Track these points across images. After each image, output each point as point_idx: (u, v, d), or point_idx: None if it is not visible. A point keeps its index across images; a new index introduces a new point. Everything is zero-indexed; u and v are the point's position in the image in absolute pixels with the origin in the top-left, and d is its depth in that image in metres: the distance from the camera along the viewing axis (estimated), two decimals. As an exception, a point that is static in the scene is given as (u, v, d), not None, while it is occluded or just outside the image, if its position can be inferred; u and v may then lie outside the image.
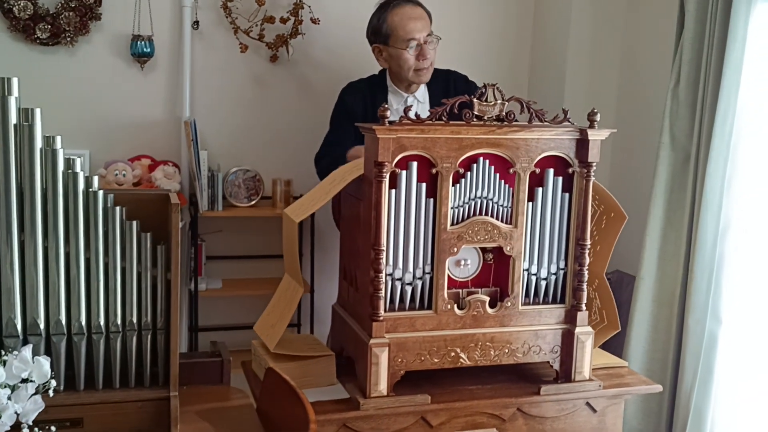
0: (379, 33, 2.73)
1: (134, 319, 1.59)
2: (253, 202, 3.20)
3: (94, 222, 1.52)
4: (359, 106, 2.79)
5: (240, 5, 3.14)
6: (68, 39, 2.99)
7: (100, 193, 1.51)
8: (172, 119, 3.20)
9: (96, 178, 1.53)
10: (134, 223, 1.54)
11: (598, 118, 1.95)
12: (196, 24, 3.14)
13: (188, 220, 3.15)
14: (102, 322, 1.58)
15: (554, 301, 2.02)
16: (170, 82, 3.18)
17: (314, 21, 3.20)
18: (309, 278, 3.24)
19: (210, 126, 3.24)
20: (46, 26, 2.95)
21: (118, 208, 1.53)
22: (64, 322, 1.56)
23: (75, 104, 3.08)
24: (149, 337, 1.61)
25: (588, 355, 2.03)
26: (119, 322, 1.58)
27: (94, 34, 3.05)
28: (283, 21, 3.18)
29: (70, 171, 1.51)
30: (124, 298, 1.59)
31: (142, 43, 3.04)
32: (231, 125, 3.28)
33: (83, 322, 1.57)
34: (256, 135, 3.31)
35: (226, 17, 3.13)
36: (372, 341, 1.85)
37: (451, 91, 2.80)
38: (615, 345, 2.99)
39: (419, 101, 2.81)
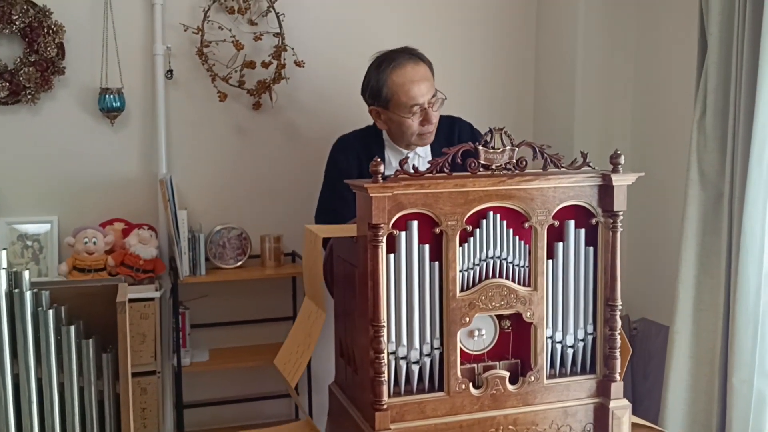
0: (378, 96, 2.47)
1: (78, 446, 1.32)
2: (240, 263, 2.97)
3: (22, 329, 1.26)
4: (353, 164, 2.54)
5: (217, 51, 2.94)
6: (29, 96, 2.77)
7: (28, 294, 1.24)
8: (147, 178, 2.97)
9: (26, 273, 1.27)
10: (71, 328, 1.27)
11: (622, 160, 1.73)
12: (169, 73, 2.92)
13: (168, 287, 2.90)
14: (38, 452, 1.31)
15: (583, 372, 1.79)
16: (144, 138, 2.97)
17: (298, 64, 3.00)
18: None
19: (189, 183, 3.02)
20: (3, 84, 2.74)
21: (51, 312, 1.26)
22: (-11, 455, 1.29)
23: (40, 167, 2.86)
24: (98, 466, 1.34)
25: (626, 433, 1.78)
26: (59, 450, 1.31)
27: (58, 89, 2.84)
28: (265, 65, 2.98)
29: (-11, 271, 1.25)
30: (64, 420, 1.32)
31: (111, 96, 2.83)
32: (212, 180, 3.06)
33: (14, 453, 1.30)
34: (240, 189, 3.09)
35: (203, 64, 2.91)
36: (375, 435, 1.60)
37: (455, 141, 2.55)
38: (649, 407, 2.75)
39: (420, 156, 2.57)
